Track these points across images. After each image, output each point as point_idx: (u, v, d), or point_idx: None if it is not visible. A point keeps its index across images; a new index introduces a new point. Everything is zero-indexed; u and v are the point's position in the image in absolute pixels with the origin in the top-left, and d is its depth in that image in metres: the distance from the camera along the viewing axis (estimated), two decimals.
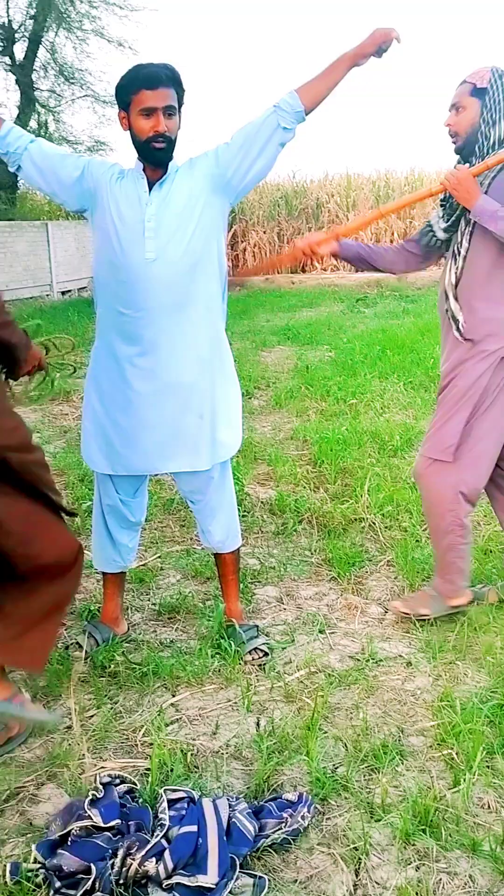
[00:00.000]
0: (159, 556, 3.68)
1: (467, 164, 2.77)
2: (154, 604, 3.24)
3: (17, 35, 17.73)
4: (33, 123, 18.04)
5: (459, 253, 2.83)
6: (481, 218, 2.66)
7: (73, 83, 18.70)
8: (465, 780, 2.11)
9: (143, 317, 2.55)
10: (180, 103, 2.52)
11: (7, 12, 17.34)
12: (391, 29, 2.50)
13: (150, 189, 2.53)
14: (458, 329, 2.85)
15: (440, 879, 1.84)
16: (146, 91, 2.43)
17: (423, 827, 1.98)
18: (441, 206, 2.92)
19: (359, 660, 2.78)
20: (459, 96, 2.76)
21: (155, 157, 2.49)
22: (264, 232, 21.47)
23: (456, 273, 2.84)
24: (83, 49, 18.36)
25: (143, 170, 2.54)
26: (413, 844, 1.94)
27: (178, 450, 2.68)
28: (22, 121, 17.62)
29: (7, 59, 17.77)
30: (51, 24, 17.56)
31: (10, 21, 17.44)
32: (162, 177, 2.53)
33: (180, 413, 2.63)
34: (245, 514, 4.03)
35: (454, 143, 2.81)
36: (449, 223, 2.89)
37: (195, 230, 2.53)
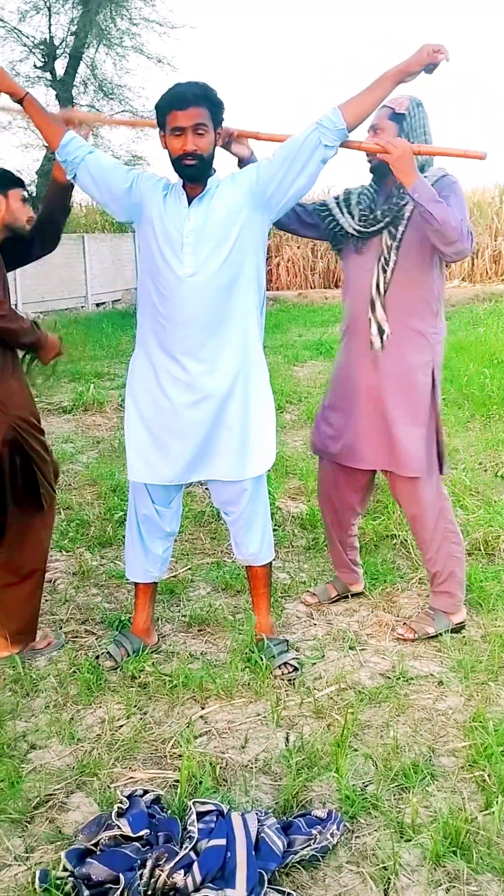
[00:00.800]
0: (190, 568, 3.69)
1: (377, 183, 2.90)
2: (184, 615, 3.24)
3: (58, 51, 18.02)
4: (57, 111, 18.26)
5: (388, 264, 2.84)
6: (421, 196, 2.61)
7: (112, 99, 18.95)
8: (497, 802, 2.08)
9: (180, 329, 2.59)
10: (216, 120, 2.55)
11: (49, 29, 17.64)
12: (440, 46, 2.50)
13: (190, 204, 2.57)
14: (382, 340, 2.88)
15: None
16: (176, 111, 2.48)
17: (454, 849, 1.95)
18: (357, 203, 2.92)
19: (389, 677, 2.76)
20: (379, 119, 2.83)
21: (186, 174, 2.54)
22: (298, 247, 21.52)
23: (384, 284, 2.85)
24: (123, 65, 18.61)
25: (184, 185, 2.59)
26: (443, 866, 1.91)
27: (210, 460, 2.71)
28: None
29: (48, 75, 18.06)
30: (91, 40, 17.83)
31: (51, 38, 17.74)
32: (201, 192, 2.57)
33: (213, 424, 2.66)
34: (276, 528, 4.02)
35: (369, 161, 2.87)
36: (364, 225, 2.88)
37: (234, 246, 2.56)
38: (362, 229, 2.88)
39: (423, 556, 3.12)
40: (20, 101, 2.68)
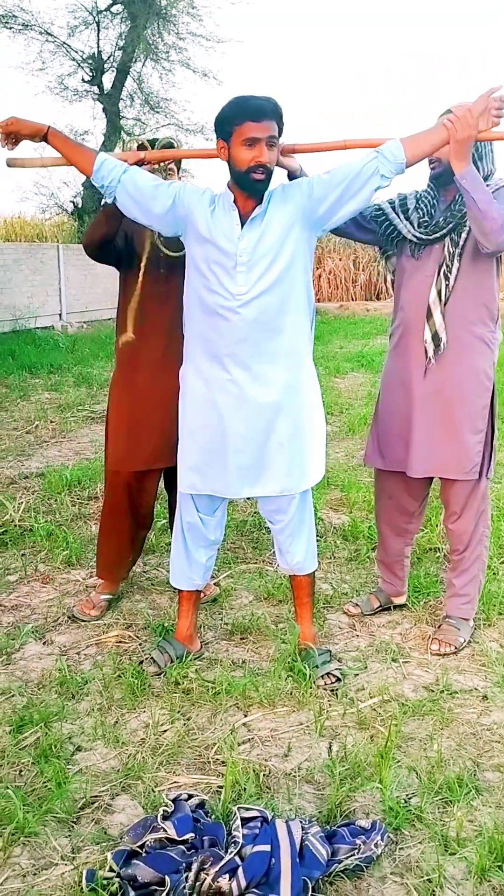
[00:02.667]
0: (231, 577, 3.70)
1: (437, 190, 2.88)
2: (227, 623, 3.26)
3: (105, 66, 18.32)
4: (118, 150, 18.52)
5: (451, 272, 2.83)
6: (468, 182, 2.60)
7: (157, 112, 19.21)
8: None
9: (232, 344, 2.60)
10: (279, 135, 2.55)
11: (97, 44, 17.95)
12: (497, 89, 2.50)
13: (243, 221, 2.57)
14: (437, 348, 2.87)
15: None
16: (251, 123, 2.45)
17: (500, 863, 1.94)
18: (415, 209, 2.90)
19: (433, 690, 2.75)
20: None
21: (254, 187, 2.51)
22: (340, 259, 21.54)
23: (446, 292, 2.85)
24: (169, 79, 18.93)
25: (234, 201, 2.57)
26: (489, 881, 1.90)
27: (260, 475, 2.71)
28: (107, 148, 18.14)
29: (95, 89, 18.36)
30: (139, 55, 18.10)
31: (99, 52, 18.05)
32: (253, 207, 2.56)
33: (264, 439, 2.67)
34: (318, 538, 4.00)
35: (433, 168, 2.85)
36: (425, 232, 2.87)
37: (286, 264, 2.57)
38: (423, 236, 2.87)
39: (454, 555, 3.12)
40: (44, 138, 2.63)
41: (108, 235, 2.88)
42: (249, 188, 2.52)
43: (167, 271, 2.98)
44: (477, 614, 3.22)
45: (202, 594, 3.26)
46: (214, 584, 3.55)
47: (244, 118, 2.46)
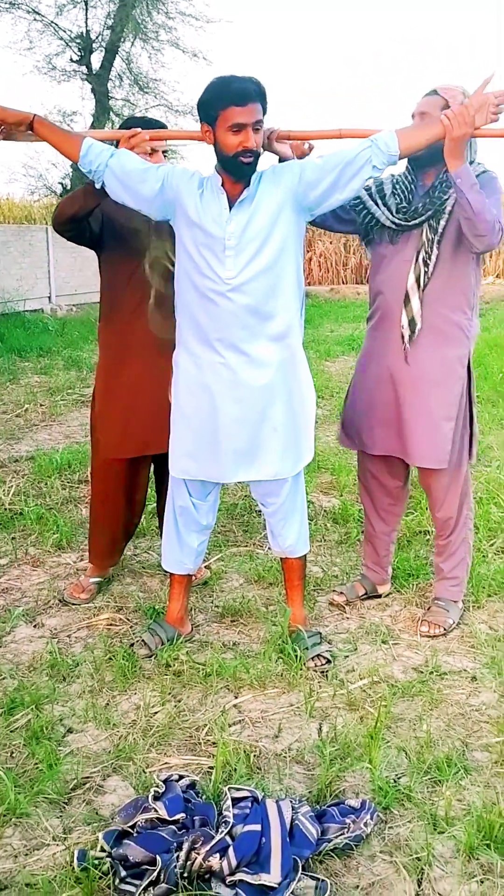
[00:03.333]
0: (222, 560, 3.71)
1: (414, 174, 2.86)
2: (217, 606, 3.27)
3: (94, 45, 18.11)
4: (107, 128, 18.37)
5: (430, 258, 2.81)
6: (463, 182, 2.59)
7: (147, 92, 19.03)
8: None
9: (222, 327, 2.59)
10: (264, 116, 2.50)
11: (86, 23, 17.74)
12: (490, 79, 2.47)
13: (231, 204, 2.55)
14: (412, 333, 2.87)
15: None
16: (236, 108, 2.40)
17: (488, 842, 1.96)
18: (392, 194, 2.87)
19: (422, 672, 2.77)
20: (429, 107, 2.77)
21: (242, 171, 2.48)
22: (330, 242, 21.46)
23: (425, 278, 2.83)
24: (158, 59, 18.74)
25: (222, 184, 2.54)
26: (477, 858, 1.92)
27: (254, 459, 2.71)
28: (96, 129, 17.97)
29: (84, 69, 18.17)
30: (127, 34, 17.91)
31: (88, 32, 17.84)
32: (242, 191, 2.53)
33: (257, 423, 2.66)
34: (309, 522, 4.02)
35: None
36: (403, 218, 2.84)
37: (275, 248, 2.55)
38: (402, 222, 2.84)
39: (440, 540, 3.14)
40: (30, 126, 2.59)
41: (81, 213, 2.82)
42: (237, 172, 2.49)
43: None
44: (466, 596, 3.24)
45: (193, 577, 3.27)
46: (206, 566, 3.55)
47: (228, 103, 2.41)
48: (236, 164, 2.46)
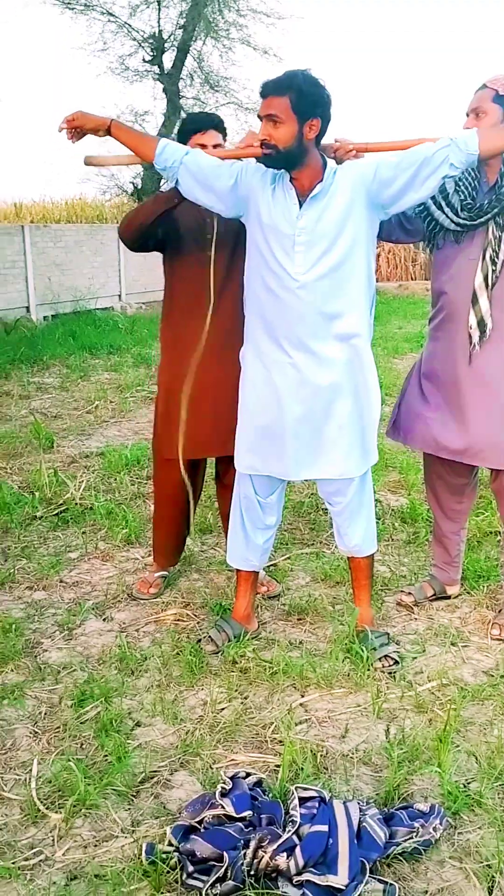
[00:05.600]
0: (289, 558, 3.70)
1: (477, 170, 2.75)
2: (284, 604, 3.26)
3: (166, 45, 18.27)
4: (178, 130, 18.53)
5: (498, 257, 2.73)
6: None
7: (217, 91, 19.09)
8: None
9: (291, 325, 2.58)
10: (304, 111, 2.44)
11: (158, 23, 17.90)
12: None
13: (302, 200, 2.54)
14: (482, 334, 2.79)
15: None
16: (262, 99, 2.48)
17: None
18: (455, 192, 2.78)
19: (493, 675, 2.72)
20: (480, 101, 2.70)
21: (260, 161, 2.53)
22: None
23: (493, 276, 2.75)
24: (229, 57, 18.74)
25: (291, 179, 2.54)
26: None
27: (319, 458, 2.70)
28: (167, 128, 18.13)
29: (156, 69, 18.34)
30: (199, 33, 18.00)
31: (160, 31, 17.99)
32: (314, 185, 2.52)
33: (323, 421, 2.65)
34: (376, 520, 3.98)
35: None
36: (468, 216, 2.75)
37: (346, 245, 2.53)
38: (467, 221, 2.77)
39: None
40: (108, 131, 2.62)
41: (149, 220, 2.84)
42: (259, 161, 2.54)
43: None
44: None
45: (266, 589, 3.27)
46: (272, 564, 3.54)
47: (259, 96, 2.50)
48: (262, 154, 2.51)
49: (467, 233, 2.79)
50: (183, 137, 2.92)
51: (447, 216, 2.80)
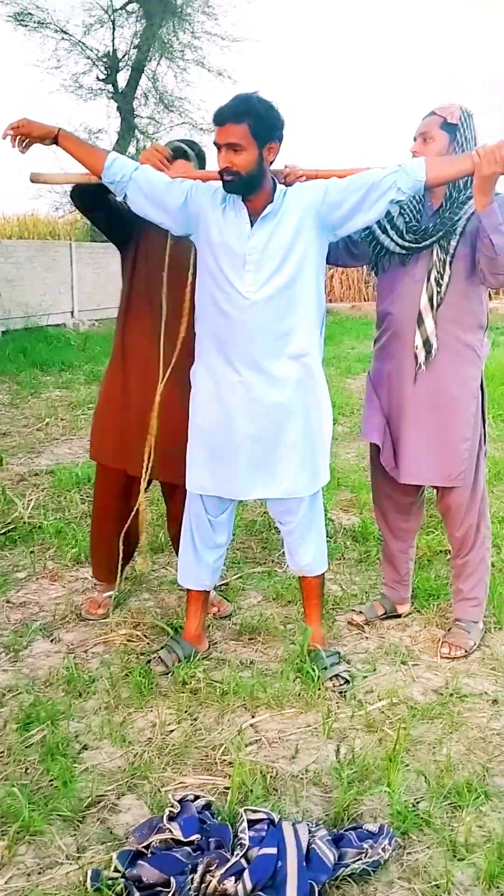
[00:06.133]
0: (241, 577, 3.69)
1: (422, 193, 2.76)
2: (235, 623, 3.24)
3: (120, 64, 18.33)
4: (132, 149, 18.58)
5: (442, 279, 2.79)
6: (490, 223, 2.57)
7: (172, 111, 19.22)
8: None
9: (241, 343, 2.59)
10: (262, 136, 2.45)
11: (112, 42, 17.97)
12: None
13: (253, 220, 2.55)
14: (428, 354, 2.84)
15: None
16: (217, 127, 2.47)
17: None
18: (399, 214, 2.83)
19: (442, 694, 2.73)
20: (429, 126, 2.78)
21: (224, 188, 2.52)
22: None
23: (438, 298, 2.80)
24: (183, 78, 18.89)
25: (243, 199, 2.55)
26: (497, 887, 1.88)
27: (270, 477, 2.70)
28: (121, 146, 18.16)
29: (110, 88, 18.39)
30: (154, 53, 18.12)
31: (114, 50, 18.07)
32: (265, 206, 2.54)
33: (274, 440, 2.65)
34: (328, 539, 3.99)
35: None
36: (413, 239, 2.80)
37: (296, 265, 2.55)
38: (412, 245, 2.81)
39: (458, 560, 3.10)
40: (55, 140, 2.62)
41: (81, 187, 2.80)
42: (224, 188, 2.53)
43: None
44: (487, 617, 3.20)
45: (217, 610, 3.25)
46: (224, 584, 3.52)
47: (213, 122, 2.49)
48: (222, 181, 2.50)
49: (412, 255, 2.84)
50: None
51: (392, 239, 2.84)
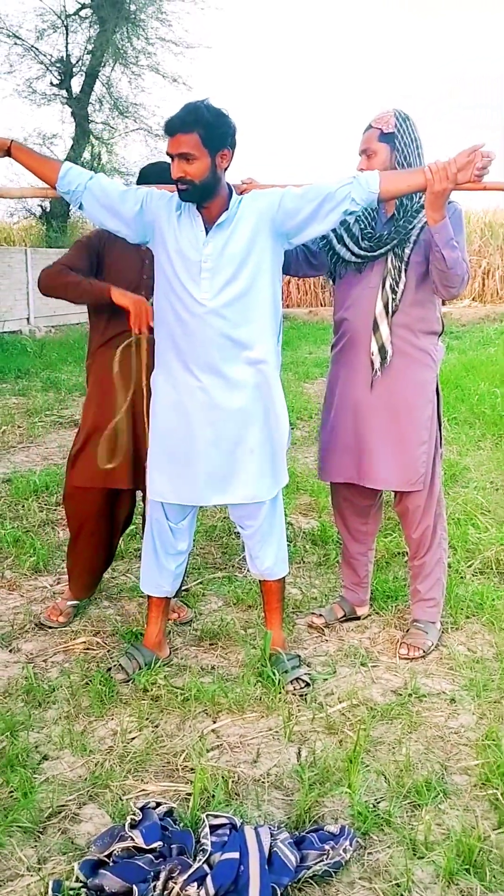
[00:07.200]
0: (201, 582, 3.69)
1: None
2: (196, 629, 3.24)
3: (74, 69, 18.23)
4: (87, 155, 18.49)
5: (397, 286, 2.83)
6: (441, 238, 2.62)
7: (126, 116, 19.17)
8: None
9: (199, 349, 2.60)
10: (214, 144, 2.47)
11: (66, 47, 17.87)
12: (488, 154, 2.47)
13: (208, 227, 2.57)
14: (383, 360, 2.88)
15: None
16: (168, 137, 2.48)
17: (467, 867, 1.94)
18: (355, 222, 2.88)
19: (401, 694, 2.76)
20: (368, 141, 2.82)
21: (180, 198, 2.53)
22: None
23: (393, 305, 2.85)
24: (138, 84, 18.86)
25: (198, 207, 2.57)
26: (457, 884, 1.91)
27: (230, 482, 2.71)
28: (76, 152, 18.06)
29: (64, 93, 18.28)
30: (108, 59, 18.06)
31: (68, 56, 17.97)
32: (220, 214, 2.56)
33: (233, 445, 2.67)
34: (288, 543, 4.02)
35: None
36: (368, 246, 2.85)
37: (251, 272, 2.57)
38: (366, 252, 2.85)
39: (415, 561, 3.15)
40: (7, 152, 2.61)
41: (72, 301, 2.98)
42: (179, 197, 2.55)
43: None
44: (444, 618, 3.25)
45: (177, 616, 3.25)
46: (185, 590, 3.52)
47: (165, 133, 2.50)
48: (178, 190, 2.52)
49: (367, 263, 2.87)
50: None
51: (348, 249, 2.88)
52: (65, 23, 17.63)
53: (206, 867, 1.85)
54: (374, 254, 2.84)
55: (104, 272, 2.99)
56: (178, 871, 1.82)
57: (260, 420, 2.68)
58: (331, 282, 3.09)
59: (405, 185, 2.58)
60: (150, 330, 2.81)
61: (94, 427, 3.06)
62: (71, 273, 2.91)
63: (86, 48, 18.05)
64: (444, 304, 3.11)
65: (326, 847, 1.95)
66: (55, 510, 4.61)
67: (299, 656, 2.93)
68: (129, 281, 2.94)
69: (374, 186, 2.52)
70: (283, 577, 2.96)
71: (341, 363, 3.04)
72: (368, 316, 2.88)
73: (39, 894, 1.86)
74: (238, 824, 2.00)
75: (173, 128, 2.46)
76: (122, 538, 3.97)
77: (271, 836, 1.95)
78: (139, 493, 3.25)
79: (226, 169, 2.56)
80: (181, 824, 2.07)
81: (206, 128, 2.45)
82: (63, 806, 2.19)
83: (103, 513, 3.17)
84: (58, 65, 18.01)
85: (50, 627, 3.22)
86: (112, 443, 2.94)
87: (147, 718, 2.59)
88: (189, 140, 2.44)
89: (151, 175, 2.95)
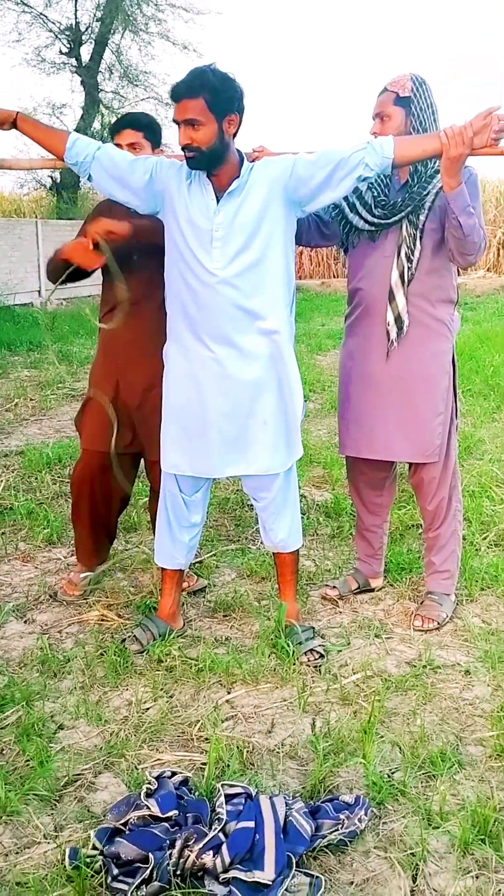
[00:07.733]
0: (214, 555, 3.69)
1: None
2: (209, 601, 3.25)
3: (83, 37, 18.01)
4: (97, 124, 18.32)
5: (413, 254, 2.79)
6: (457, 205, 2.58)
7: (136, 85, 18.96)
8: None
9: (212, 320, 2.57)
10: (220, 109, 2.42)
11: (75, 15, 17.64)
12: (497, 108, 2.42)
13: (219, 195, 2.53)
14: (399, 330, 2.84)
15: (500, 890, 1.81)
16: (175, 104, 2.44)
17: (483, 837, 1.94)
18: (368, 190, 2.81)
19: (416, 666, 2.76)
20: (383, 105, 2.76)
21: (188, 165, 2.49)
22: None
23: (409, 273, 2.81)
24: (148, 51, 18.69)
25: (209, 175, 2.53)
26: (472, 854, 1.91)
27: (244, 454, 2.69)
28: (86, 121, 17.89)
29: (73, 61, 18.07)
30: (117, 26, 17.83)
31: (77, 24, 17.74)
32: (231, 181, 2.51)
33: (246, 416, 2.64)
34: (301, 516, 4.01)
35: None
36: (382, 214, 2.79)
37: (264, 240, 2.53)
38: (380, 220, 2.80)
39: (430, 533, 3.13)
40: (14, 124, 2.58)
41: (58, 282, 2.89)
42: (187, 165, 2.50)
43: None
44: (459, 590, 3.24)
45: (188, 584, 3.25)
46: (199, 576, 3.49)
47: (171, 99, 2.45)
48: (185, 157, 2.48)
49: (381, 231, 2.82)
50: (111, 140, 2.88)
51: (361, 217, 2.83)
52: None
53: (221, 835, 1.86)
54: (388, 221, 2.79)
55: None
56: (193, 840, 1.83)
57: (273, 391, 2.66)
58: (342, 252, 3.04)
59: (420, 151, 2.52)
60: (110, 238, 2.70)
61: (97, 389, 3.10)
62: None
63: (94, 15, 17.82)
64: (459, 273, 3.06)
65: (342, 816, 1.95)
66: (68, 482, 4.59)
67: (313, 628, 2.93)
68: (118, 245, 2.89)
69: (388, 152, 2.47)
70: (297, 550, 2.95)
71: (356, 334, 3.00)
72: (384, 285, 2.84)
73: (56, 861, 1.88)
74: (253, 794, 2.01)
75: (178, 94, 2.42)
76: (134, 510, 3.99)
77: (286, 806, 1.96)
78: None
79: (234, 135, 2.50)
80: (196, 793, 2.08)
81: (212, 92, 2.40)
82: (79, 775, 2.21)
83: (97, 477, 3.14)
84: (67, 32, 17.79)
85: (64, 600, 3.23)
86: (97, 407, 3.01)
87: (161, 689, 2.60)
88: (195, 105, 2.40)
89: (112, 125, 2.94)
